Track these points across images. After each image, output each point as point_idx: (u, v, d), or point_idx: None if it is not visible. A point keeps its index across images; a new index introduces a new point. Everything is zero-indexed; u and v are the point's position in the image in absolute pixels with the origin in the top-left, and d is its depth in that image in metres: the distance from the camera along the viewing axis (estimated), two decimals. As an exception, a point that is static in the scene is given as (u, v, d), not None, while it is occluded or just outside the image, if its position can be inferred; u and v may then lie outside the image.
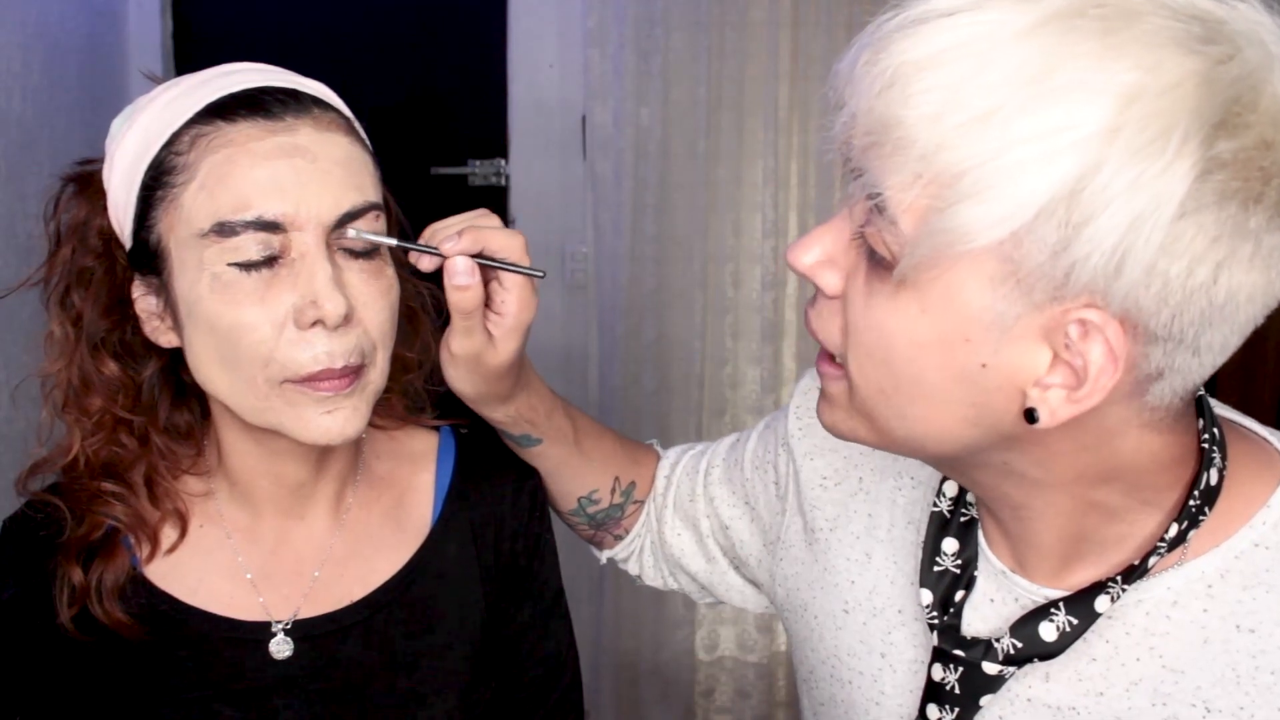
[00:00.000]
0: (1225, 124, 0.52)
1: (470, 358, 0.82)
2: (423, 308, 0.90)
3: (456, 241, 0.78)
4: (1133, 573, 0.65)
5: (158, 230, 0.75)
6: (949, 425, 0.61)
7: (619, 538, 1.01)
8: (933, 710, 0.70)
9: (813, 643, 0.84)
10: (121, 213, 0.77)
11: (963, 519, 0.73)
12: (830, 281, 0.64)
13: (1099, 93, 0.51)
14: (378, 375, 0.77)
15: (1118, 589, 0.65)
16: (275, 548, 0.85)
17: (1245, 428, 0.70)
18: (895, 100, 0.54)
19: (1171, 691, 0.64)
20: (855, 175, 0.59)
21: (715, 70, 2.26)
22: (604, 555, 1.04)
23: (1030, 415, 0.58)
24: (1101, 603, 0.65)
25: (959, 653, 0.69)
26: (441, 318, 0.91)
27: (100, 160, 0.80)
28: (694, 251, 2.31)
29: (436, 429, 0.95)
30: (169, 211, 0.74)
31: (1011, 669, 0.68)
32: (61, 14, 1.93)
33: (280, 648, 0.83)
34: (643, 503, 1.01)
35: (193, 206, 0.73)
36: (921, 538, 0.76)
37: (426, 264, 0.80)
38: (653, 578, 1.04)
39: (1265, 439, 0.69)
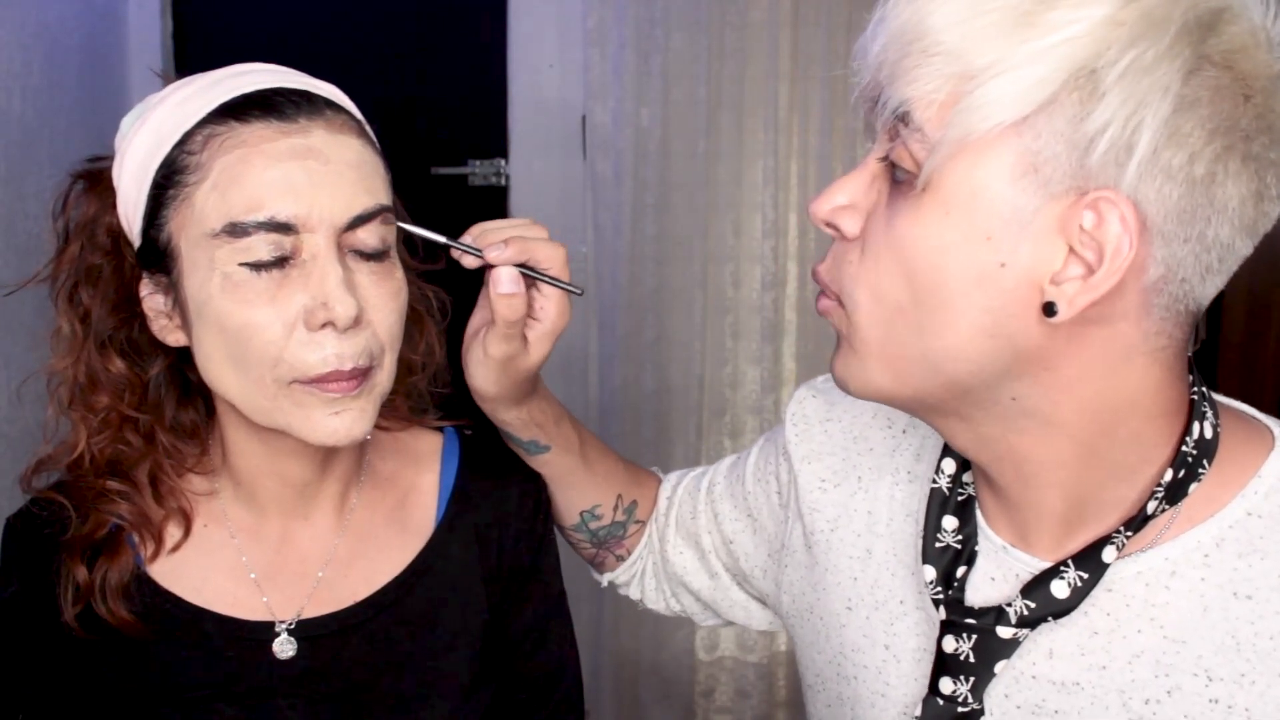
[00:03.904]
0: (1213, 25, 0.58)
1: (504, 360, 0.84)
2: (428, 310, 0.90)
3: (503, 250, 0.82)
4: (1133, 521, 0.66)
5: (168, 229, 0.75)
6: (968, 337, 0.63)
7: (620, 558, 1.02)
8: (946, 683, 0.71)
9: (819, 645, 0.85)
10: (131, 211, 0.77)
11: (960, 497, 0.75)
12: (851, 225, 0.68)
13: None
14: (385, 377, 0.78)
15: (1121, 538, 0.66)
16: (279, 547, 0.85)
17: (1235, 408, 0.72)
18: (928, 12, 0.60)
19: (1173, 662, 0.65)
20: (881, 104, 0.64)
21: (715, 70, 2.26)
22: (605, 578, 1.05)
23: (1049, 309, 0.60)
24: (1108, 553, 0.67)
25: (971, 621, 0.70)
26: (446, 320, 0.91)
27: (109, 157, 0.80)
28: (694, 251, 2.32)
29: (440, 430, 0.95)
30: (180, 211, 0.74)
31: (1025, 631, 0.69)
32: (61, 14, 1.93)
33: (284, 648, 0.83)
34: (644, 523, 1.01)
35: (204, 206, 0.73)
36: (920, 529, 0.77)
37: (470, 262, 0.83)
38: (655, 600, 1.04)
39: (1254, 415, 0.72)
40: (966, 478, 0.75)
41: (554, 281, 0.82)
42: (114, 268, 0.80)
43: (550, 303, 0.84)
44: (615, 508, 0.99)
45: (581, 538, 1.01)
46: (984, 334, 0.62)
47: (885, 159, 0.65)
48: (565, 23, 2.32)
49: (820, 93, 2.28)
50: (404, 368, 0.87)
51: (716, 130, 2.28)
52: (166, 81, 0.80)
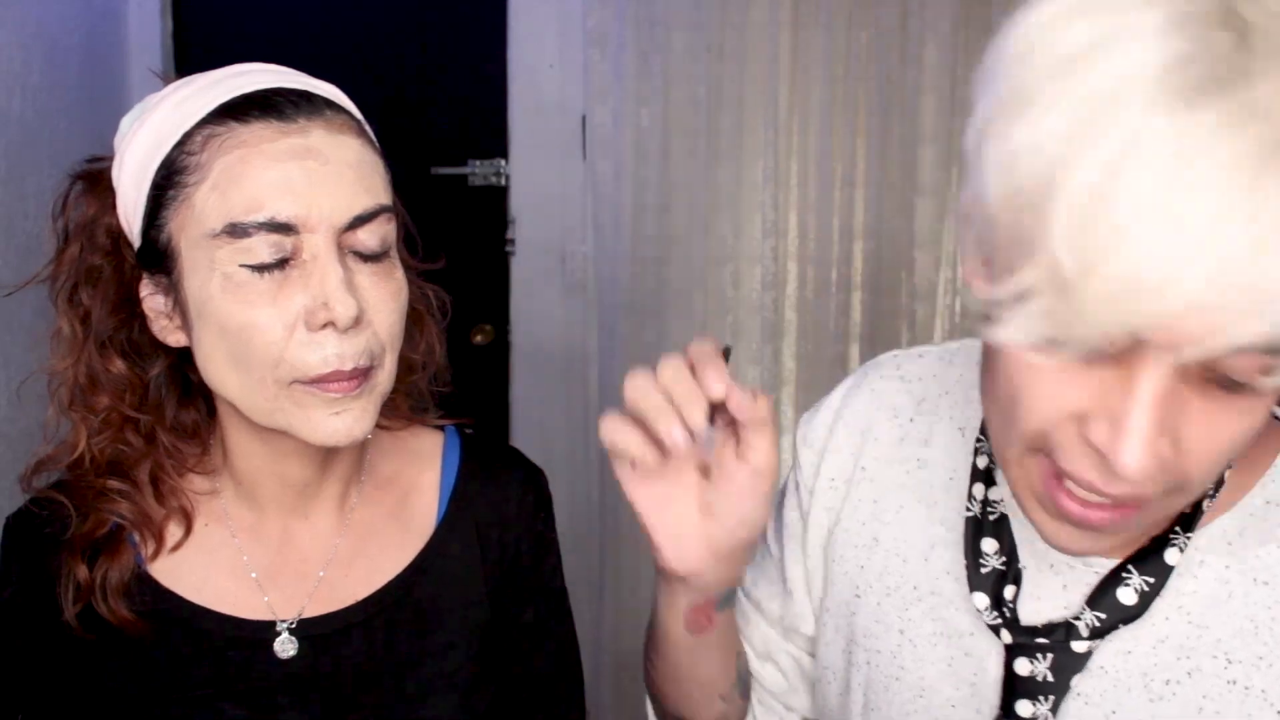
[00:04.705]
0: None
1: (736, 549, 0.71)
2: (428, 309, 0.90)
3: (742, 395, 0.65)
4: (1190, 520, 0.67)
5: (168, 230, 0.75)
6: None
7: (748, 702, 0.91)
8: (1024, 706, 0.70)
9: (826, 637, 0.84)
10: (131, 211, 0.77)
11: (993, 517, 0.74)
12: (1163, 448, 0.55)
13: None
14: (385, 377, 0.78)
15: (1181, 539, 0.67)
16: (280, 547, 0.86)
17: None
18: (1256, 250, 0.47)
19: (1195, 646, 0.66)
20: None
21: (715, 70, 2.26)
22: None
23: None
24: (1171, 555, 0.67)
25: (1043, 641, 0.70)
26: (447, 319, 0.91)
27: (109, 158, 0.80)
28: (694, 251, 2.32)
29: (441, 429, 0.95)
30: (180, 211, 0.74)
31: (1097, 643, 0.69)
32: (61, 14, 1.93)
33: (285, 647, 0.83)
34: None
35: (204, 207, 0.73)
36: (935, 514, 0.77)
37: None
38: None
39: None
40: (994, 495, 0.74)
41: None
42: (114, 268, 0.80)
43: (758, 433, 0.67)
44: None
45: (737, 694, 0.87)
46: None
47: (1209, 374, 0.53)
48: (565, 23, 2.32)
49: (820, 93, 2.28)
50: (404, 367, 0.87)
51: (716, 130, 2.28)
52: (166, 82, 0.80)
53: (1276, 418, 0.70)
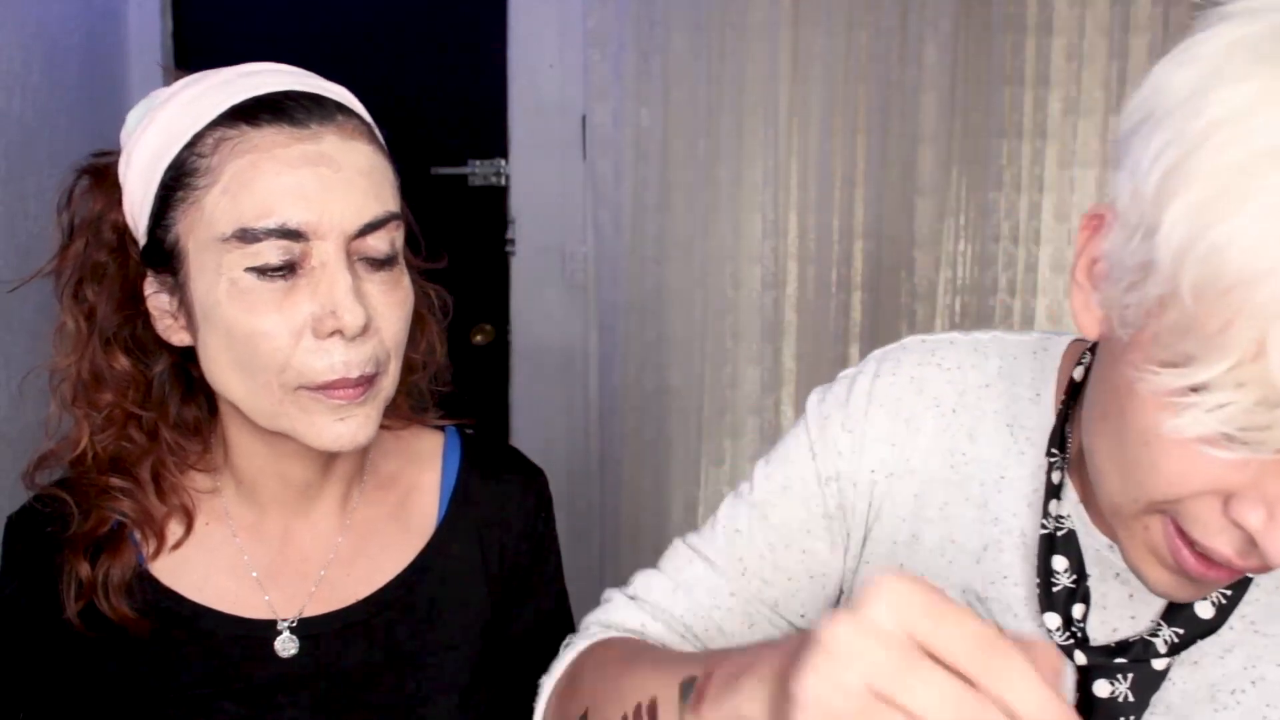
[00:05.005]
0: None
1: None
2: (429, 309, 0.90)
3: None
4: None
5: (176, 230, 0.75)
6: None
7: None
8: None
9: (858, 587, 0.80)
10: (138, 209, 0.77)
11: (1060, 533, 0.71)
12: None
13: None
14: (389, 382, 0.78)
15: None
16: (281, 546, 0.85)
17: None
18: None
19: (1260, 654, 0.66)
20: None
21: (715, 70, 2.26)
22: None
23: None
24: None
25: (1121, 660, 0.67)
26: (448, 319, 0.91)
27: (115, 153, 0.79)
28: (694, 251, 2.32)
29: (442, 429, 0.95)
30: (188, 213, 0.74)
31: (1174, 659, 0.67)
32: (61, 14, 1.93)
33: (285, 646, 0.83)
34: None
35: (214, 210, 0.72)
36: (987, 515, 0.74)
37: None
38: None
39: None
40: (1063, 510, 0.71)
41: None
42: (119, 265, 0.80)
43: None
44: None
45: None
46: None
47: None
48: (565, 23, 2.32)
49: (820, 93, 2.28)
50: (405, 366, 0.87)
51: (716, 130, 2.28)
52: (170, 75, 0.79)
53: None
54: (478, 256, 2.41)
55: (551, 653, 0.94)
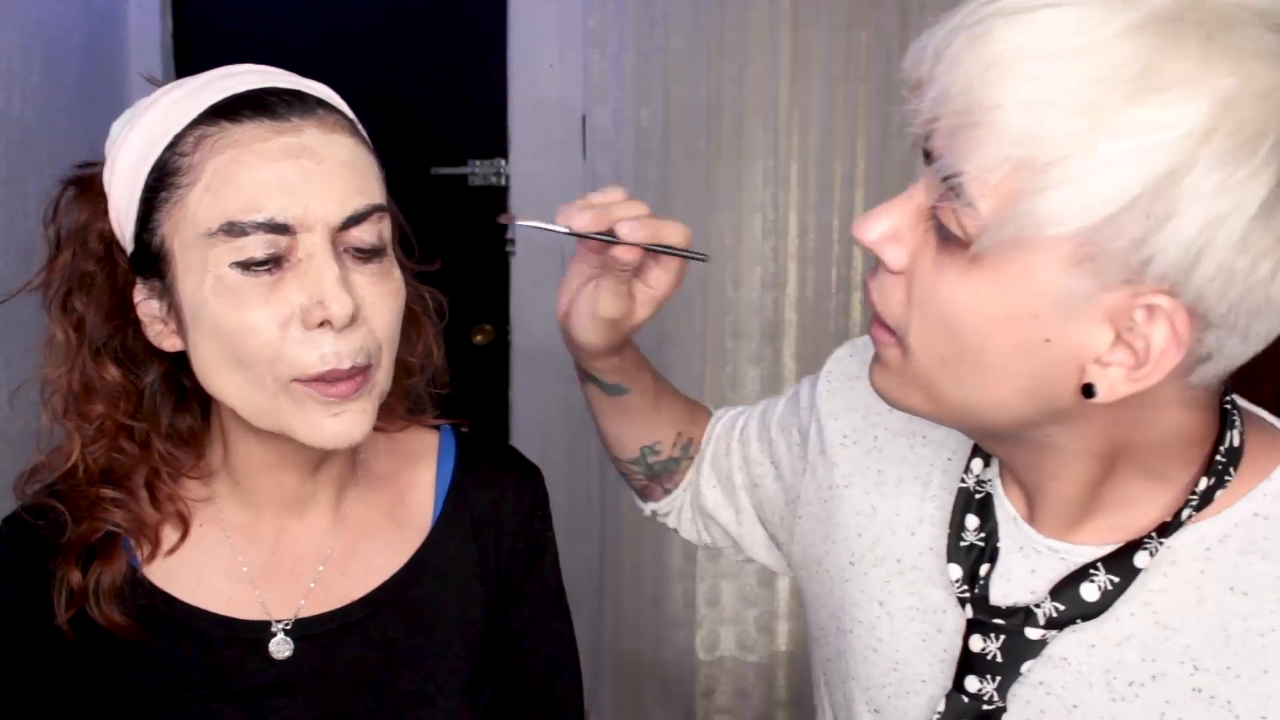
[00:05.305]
0: None
1: (613, 320, 0.86)
2: (424, 311, 0.90)
3: (638, 230, 0.81)
4: (1167, 528, 0.67)
5: (161, 232, 0.75)
6: (1005, 395, 0.63)
7: (668, 491, 1.05)
8: (972, 682, 0.72)
9: (823, 598, 0.87)
10: (123, 216, 0.77)
11: (979, 495, 0.76)
12: (895, 257, 0.65)
13: (1197, 95, 0.53)
14: (383, 377, 0.77)
15: (1154, 544, 0.67)
16: (275, 547, 0.85)
17: (1253, 411, 0.73)
18: (995, 84, 0.56)
19: (1161, 648, 0.66)
20: (930, 157, 0.60)
21: (715, 70, 2.26)
22: (648, 508, 1.08)
23: (1088, 390, 0.60)
24: (1141, 558, 0.67)
25: (999, 621, 0.71)
26: (444, 321, 0.91)
27: (100, 163, 0.79)
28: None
29: (437, 428, 0.95)
30: (173, 213, 0.74)
31: (1053, 633, 0.69)
32: (61, 14, 1.93)
33: (280, 647, 0.83)
34: (694, 459, 1.04)
35: (198, 207, 0.72)
36: (928, 491, 0.79)
37: (619, 251, 0.82)
38: (689, 532, 1.07)
39: (1270, 422, 0.72)
40: (986, 474, 0.76)
41: (682, 253, 0.84)
42: (107, 274, 0.80)
43: (666, 274, 0.86)
44: (674, 444, 1.02)
45: (637, 470, 1.03)
46: (1023, 394, 0.63)
47: (933, 212, 0.62)
48: (565, 23, 2.32)
49: (820, 93, 2.28)
50: (402, 370, 0.87)
51: (716, 130, 2.28)
52: (157, 86, 0.79)
53: (1275, 429, 0.71)
54: (478, 256, 2.41)
55: (550, 653, 0.94)
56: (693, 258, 0.85)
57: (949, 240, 0.61)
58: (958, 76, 0.58)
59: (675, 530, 1.09)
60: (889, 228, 0.65)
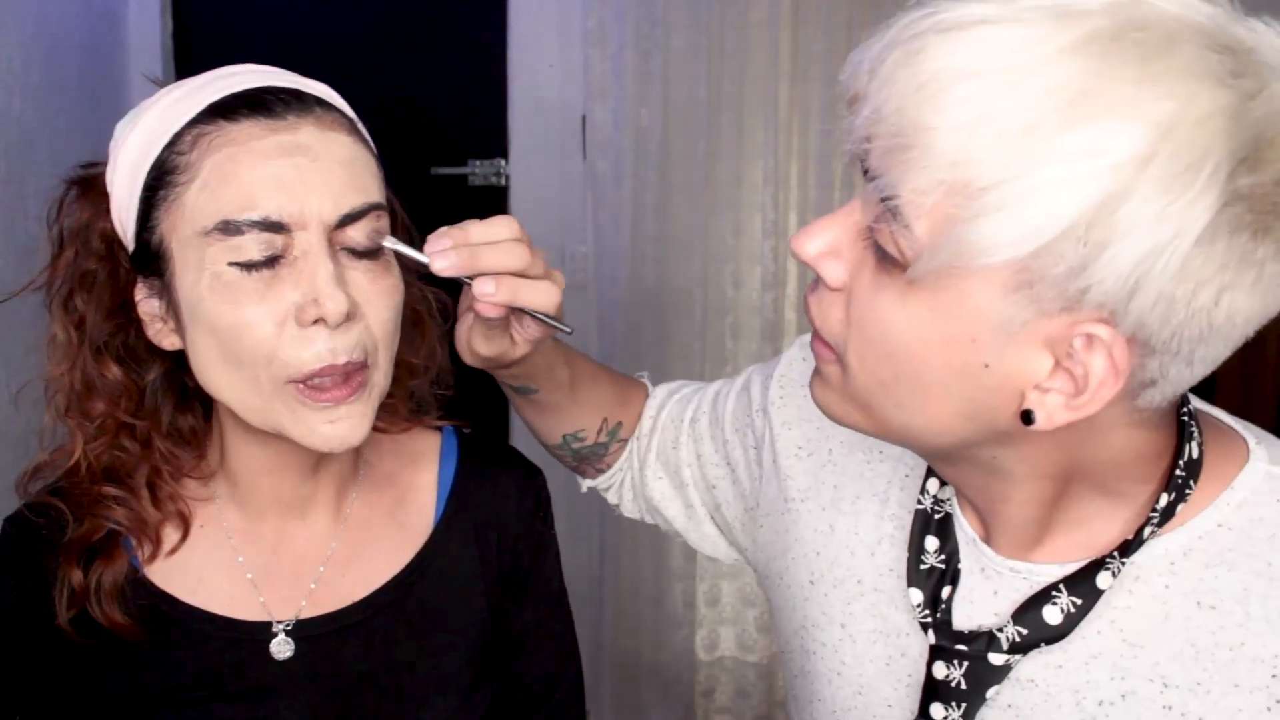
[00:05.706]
0: (1249, 159, 0.52)
1: (491, 356, 0.85)
2: (428, 312, 0.90)
3: (494, 292, 0.76)
4: (1129, 547, 0.66)
5: (160, 231, 0.75)
6: (945, 418, 0.62)
7: (601, 471, 1.03)
8: (937, 709, 0.71)
9: (786, 612, 0.85)
10: (124, 214, 0.77)
11: (938, 515, 0.74)
12: (834, 273, 0.64)
13: (1135, 120, 0.52)
14: (381, 377, 0.77)
15: (1116, 564, 0.66)
16: (276, 548, 0.85)
17: (1212, 416, 0.72)
18: (928, 105, 0.54)
19: (1130, 666, 0.65)
20: (868, 174, 0.59)
21: (715, 70, 2.26)
22: (585, 484, 1.06)
23: (1027, 417, 0.59)
24: (1103, 579, 0.66)
25: (962, 647, 0.70)
26: (449, 322, 0.91)
27: (103, 163, 0.79)
28: (694, 251, 2.32)
29: (439, 429, 0.95)
30: (171, 211, 0.74)
31: (1017, 657, 0.68)
32: (61, 14, 1.94)
33: (281, 648, 0.83)
34: (627, 441, 1.01)
35: (195, 206, 0.73)
36: (886, 510, 0.78)
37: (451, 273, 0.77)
38: (631, 511, 1.06)
39: (1230, 426, 0.71)
40: (943, 494, 0.75)
41: (542, 319, 0.79)
42: (109, 273, 0.80)
43: (536, 325, 0.81)
44: (600, 430, 0.99)
45: (564, 454, 1.02)
46: (963, 417, 0.62)
47: (869, 233, 0.61)
48: (565, 23, 2.32)
49: (820, 93, 2.28)
50: (405, 371, 0.87)
51: (716, 130, 2.28)
52: (158, 86, 0.80)
53: (1241, 438, 0.69)
54: (478, 256, 2.41)
55: (551, 653, 0.94)
56: (555, 327, 0.79)
57: (886, 260, 0.60)
58: (891, 95, 0.56)
59: (616, 506, 1.06)
60: (828, 243, 0.63)
